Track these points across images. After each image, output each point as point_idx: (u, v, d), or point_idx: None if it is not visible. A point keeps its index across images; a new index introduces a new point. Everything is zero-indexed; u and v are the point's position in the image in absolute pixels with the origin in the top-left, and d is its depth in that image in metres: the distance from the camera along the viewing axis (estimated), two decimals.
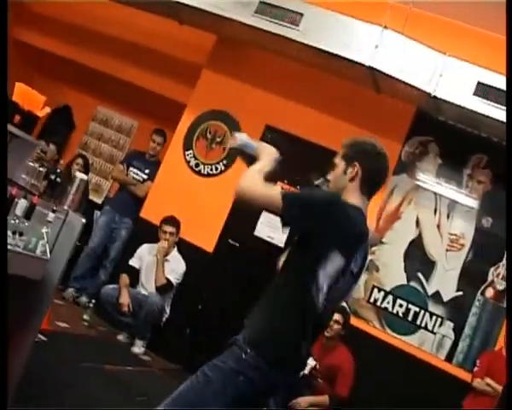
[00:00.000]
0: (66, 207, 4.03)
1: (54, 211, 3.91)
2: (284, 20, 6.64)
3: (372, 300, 6.95)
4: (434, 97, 6.22)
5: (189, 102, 8.03)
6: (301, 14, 6.59)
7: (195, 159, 7.90)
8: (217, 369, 2.71)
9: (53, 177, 4.29)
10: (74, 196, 4.11)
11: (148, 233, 7.43)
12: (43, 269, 3.87)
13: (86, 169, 8.33)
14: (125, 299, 7.02)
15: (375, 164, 3.02)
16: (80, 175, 4.15)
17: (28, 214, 3.68)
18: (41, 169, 4.22)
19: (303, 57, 6.93)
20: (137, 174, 8.10)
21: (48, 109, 4.54)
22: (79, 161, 8.38)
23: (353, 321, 6.69)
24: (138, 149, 8.52)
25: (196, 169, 7.85)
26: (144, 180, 8.08)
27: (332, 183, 3.07)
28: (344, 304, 6.72)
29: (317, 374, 6.25)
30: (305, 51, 6.71)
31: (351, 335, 6.48)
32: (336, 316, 6.27)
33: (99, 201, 9.48)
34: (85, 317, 7.17)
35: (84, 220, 3.99)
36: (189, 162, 7.90)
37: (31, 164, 4.27)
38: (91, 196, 9.19)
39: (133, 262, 7.32)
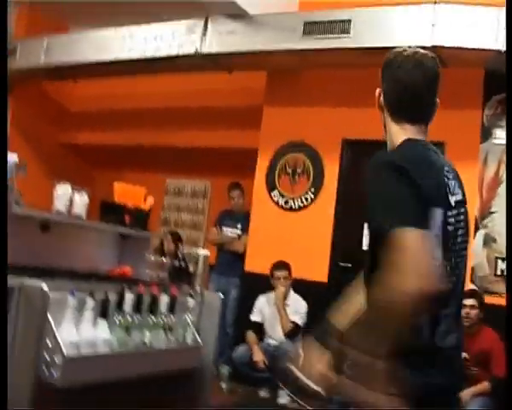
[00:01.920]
0: (198, 288, 4.01)
1: (191, 296, 3.90)
2: (333, 32, 6.60)
3: (499, 272, 6.75)
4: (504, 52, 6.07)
5: (260, 145, 8.02)
6: (349, 21, 6.54)
7: (282, 196, 7.87)
8: None
9: (177, 263, 4.28)
10: (203, 274, 4.10)
11: (257, 284, 7.37)
12: (199, 356, 3.86)
13: (178, 244, 8.36)
14: (258, 356, 6.97)
15: (396, 74, 2.43)
16: (203, 252, 4.13)
17: (172, 308, 3.66)
18: (164, 260, 4.22)
19: (359, 62, 6.84)
20: (232, 232, 8.09)
21: (151, 199, 4.54)
22: (169, 237, 8.42)
23: (488, 299, 6.51)
24: (225, 209, 8.49)
25: (286, 206, 7.81)
26: (239, 235, 8.06)
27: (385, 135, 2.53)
28: (473, 287, 6.59)
29: (468, 365, 6.10)
30: (361, 55, 6.65)
31: (489, 314, 6.30)
32: (469, 301, 6.12)
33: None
34: (224, 385, 7.13)
35: (221, 296, 3.99)
36: (277, 202, 7.87)
37: (153, 258, 4.27)
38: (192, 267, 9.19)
39: (255, 317, 7.27)
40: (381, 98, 2.49)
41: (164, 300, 3.63)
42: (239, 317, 7.67)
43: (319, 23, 6.72)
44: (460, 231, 2.35)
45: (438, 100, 2.47)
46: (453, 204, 2.33)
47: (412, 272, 1.97)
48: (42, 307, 2.90)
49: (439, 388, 2.26)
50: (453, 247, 2.33)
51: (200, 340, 3.84)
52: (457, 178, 2.41)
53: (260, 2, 7.06)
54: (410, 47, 2.51)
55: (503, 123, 6.86)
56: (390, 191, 2.19)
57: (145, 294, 3.50)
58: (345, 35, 6.58)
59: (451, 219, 2.31)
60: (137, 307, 3.44)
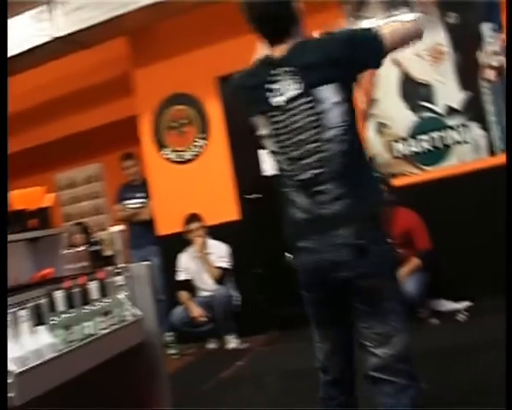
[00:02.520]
0: (122, 265, 3.98)
1: (119, 273, 3.86)
2: None
3: (397, 154, 6.94)
4: None
5: (138, 109, 7.92)
6: None
7: (175, 151, 7.83)
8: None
9: (94, 248, 4.22)
10: (122, 248, 4.06)
11: (175, 245, 7.37)
12: (144, 328, 3.84)
13: (87, 233, 8.22)
14: (196, 311, 7.03)
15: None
16: (116, 228, 4.09)
17: (103, 291, 3.62)
18: (79, 249, 4.15)
19: None
20: (135, 203, 8.00)
21: (52, 196, 4.44)
22: (77, 228, 8.27)
23: (396, 182, 6.70)
24: (123, 183, 8.35)
25: (181, 160, 7.79)
26: (143, 204, 7.98)
27: None
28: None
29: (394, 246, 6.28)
30: None
31: (400, 196, 6.49)
32: None
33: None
34: (172, 351, 7.15)
35: (150, 262, 3.98)
36: (170, 159, 7.85)
37: (68, 251, 4.20)
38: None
39: (181, 276, 7.30)
40: None
41: (94, 287, 3.58)
42: (167, 282, 7.64)
43: None
44: (300, 123, 2.61)
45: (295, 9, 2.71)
46: (282, 103, 2.63)
47: None
48: None
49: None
50: (292, 140, 2.65)
51: (139, 312, 3.81)
52: (298, 73, 2.60)
53: None
54: None
55: (366, 13, 6.98)
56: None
57: (73, 287, 3.45)
58: None
59: (278, 118, 2.64)
60: (70, 303, 3.39)
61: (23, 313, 3.08)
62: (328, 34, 2.69)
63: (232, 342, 6.98)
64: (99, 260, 4.22)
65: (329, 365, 2.86)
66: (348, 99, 2.62)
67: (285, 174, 2.72)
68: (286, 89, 2.61)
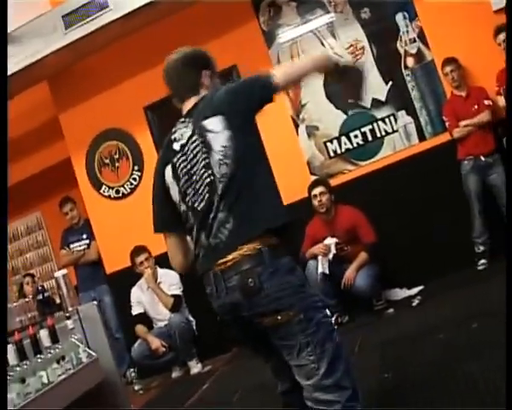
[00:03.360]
0: (71, 308, 3.95)
1: (68, 318, 3.83)
2: (94, 12, 6.50)
3: (332, 153, 7.02)
4: None
5: (70, 151, 7.87)
6: None
7: (112, 188, 7.80)
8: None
9: (41, 296, 4.18)
10: (68, 292, 4.03)
11: (126, 280, 7.30)
12: (101, 367, 3.81)
13: (35, 281, 8.13)
14: (155, 343, 6.95)
15: None
16: (60, 273, 4.06)
17: (55, 338, 3.58)
18: (27, 300, 4.11)
19: (128, 29, 6.77)
20: (80, 245, 7.93)
21: None
22: (28, 279, 8.17)
23: (334, 182, 6.77)
24: (66, 227, 8.26)
25: (119, 195, 7.76)
26: (88, 245, 7.91)
27: None
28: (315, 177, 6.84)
29: (342, 246, 6.36)
30: (125, 22, 6.58)
31: (339, 195, 6.56)
32: (317, 190, 6.43)
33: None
34: (137, 387, 7.10)
35: (95, 302, 3.95)
36: (109, 196, 7.81)
37: (15, 304, 4.14)
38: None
39: (136, 310, 7.21)
40: None
41: (44, 335, 3.54)
42: (122, 319, 7.58)
43: (77, 10, 6.59)
44: (194, 161, 2.75)
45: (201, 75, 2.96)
46: (178, 149, 2.81)
47: None
48: None
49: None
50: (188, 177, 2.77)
51: (94, 353, 3.79)
52: (195, 121, 2.79)
53: (14, 18, 6.79)
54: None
55: (281, 21, 7.07)
56: None
57: (24, 339, 3.41)
58: (105, 10, 6.50)
59: (179, 161, 2.80)
60: (22, 355, 3.35)
61: None
62: (227, 86, 2.87)
63: (195, 367, 6.94)
64: (47, 308, 4.19)
65: (279, 378, 2.87)
66: (235, 127, 2.69)
67: (189, 214, 2.80)
68: (183, 136, 2.81)
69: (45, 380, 3.35)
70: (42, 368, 3.38)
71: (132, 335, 7.20)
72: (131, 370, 7.35)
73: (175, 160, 2.81)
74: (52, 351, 3.53)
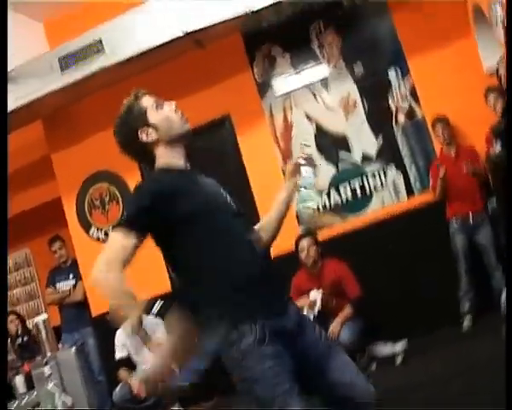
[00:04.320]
0: (50, 354, 3.94)
1: (46, 363, 3.81)
2: (89, 56, 6.57)
3: (321, 206, 7.03)
4: (253, 12, 6.23)
5: (61, 191, 7.89)
6: (100, 41, 6.53)
7: (101, 230, 7.81)
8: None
9: (20, 340, 4.16)
10: (47, 337, 4.02)
11: (109, 324, 7.25)
12: None
13: (23, 321, 8.06)
14: (138, 388, 6.86)
15: None
16: (39, 318, 4.05)
17: (31, 384, 3.57)
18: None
19: (122, 74, 6.81)
20: (66, 285, 7.90)
21: None
22: (12, 318, 8.10)
23: (322, 235, 6.78)
24: (53, 266, 8.26)
25: (107, 238, 7.70)
26: (75, 285, 7.88)
27: None
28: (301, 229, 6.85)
29: (327, 298, 6.34)
30: (120, 68, 6.64)
31: (328, 248, 6.57)
32: (304, 242, 6.41)
33: None
34: None
35: (73, 349, 3.93)
36: (98, 238, 7.82)
37: None
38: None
39: (120, 354, 7.13)
40: None
41: (20, 381, 3.53)
42: (105, 362, 7.53)
43: (74, 53, 6.64)
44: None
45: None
46: None
47: None
48: None
49: None
50: None
51: (70, 400, 3.76)
52: None
53: (12, 57, 6.86)
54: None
55: (274, 72, 7.16)
56: None
57: None
58: (100, 54, 6.55)
59: None
60: None
61: None
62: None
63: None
64: (27, 352, 4.17)
65: None
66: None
67: None
68: None
69: None
70: None
71: (115, 378, 7.14)
72: None
73: None
74: (27, 397, 3.51)
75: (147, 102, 2.83)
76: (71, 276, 7.92)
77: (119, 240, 2.59)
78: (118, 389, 7.02)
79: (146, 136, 2.75)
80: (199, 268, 2.61)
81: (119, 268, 2.58)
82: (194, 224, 2.58)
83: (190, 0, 6.36)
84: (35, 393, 3.58)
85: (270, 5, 6.22)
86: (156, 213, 2.57)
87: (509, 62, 4.23)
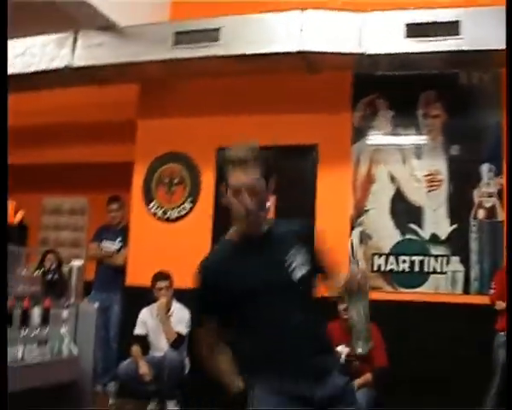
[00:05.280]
0: (73, 300, 3.95)
1: (66, 307, 3.83)
2: (203, 40, 6.64)
3: (376, 267, 6.95)
4: (369, 55, 6.25)
5: (136, 158, 7.96)
6: (217, 29, 6.59)
7: (160, 207, 7.85)
8: None
9: (50, 276, 4.19)
10: (77, 285, 4.04)
11: (140, 298, 7.29)
12: (77, 368, 3.78)
13: (59, 261, 8.14)
14: (144, 369, 6.87)
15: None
16: (76, 263, 4.07)
17: (45, 320, 3.59)
18: (35, 274, 4.13)
19: (231, 70, 6.90)
20: (111, 246, 7.99)
21: (21, 214, 4.43)
22: (50, 256, 8.19)
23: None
24: (105, 224, 8.35)
25: (165, 217, 7.80)
26: (119, 249, 7.96)
27: None
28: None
29: (351, 358, 6.24)
30: (231, 63, 6.71)
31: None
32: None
33: None
34: (111, 401, 7.03)
35: (96, 306, 3.94)
36: (155, 214, 7.85)
37: (24, 273, 4.16)
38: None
39: (138, 330, 7.17)
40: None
41: (36, 313, 3.55)
42: (123, 331, 7.56)
43: (189, 32, 6.74)
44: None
45: None
46: None
47: None
48: None
49: None
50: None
51: (76, 351, 3.77)
52: None
53: (130, 14, 6.96)
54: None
55: (373, 123, 7.11)
56: None
57: (16, 307, 3.42)
58: (215, 43, 6.62)
59: None
60: (10, 321, 3.35)
61: None
62: None
63: (172, 408, 6.86)
64: (52, 290, 4.19)
65: None
66: None
67: None
68: None
69: (19, 355, 3.35)
70: (21, 342, 3.38)
71: (126, 351, 7.17)
72: (113, 383, 7.29)
73: None
74: (37, 331, 3.53)
75: None
76: (118, 239, 8.00)
77: None
78: (126, 362, 7.04)
79: None
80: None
81: None
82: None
83: (311, 22, 6.39)
84: (47, 330, 3.57)
85: (386, 54, 6.21)
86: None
87: (509, 62, 4.13)
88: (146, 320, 7.19)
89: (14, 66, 7.30)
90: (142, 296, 7.24)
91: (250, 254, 2.74)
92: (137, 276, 7.59)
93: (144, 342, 7.15)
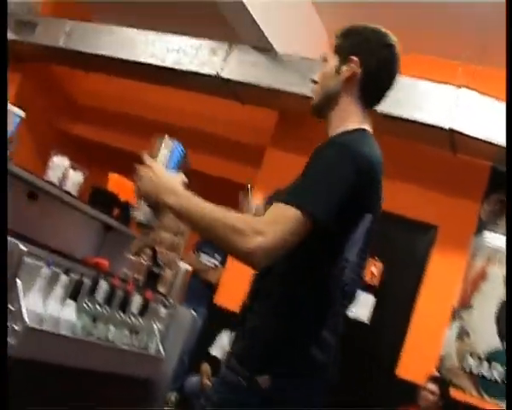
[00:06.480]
0: (172, 301, 3.88)
1: (164, 305, 3.76)
2: None
3: (467, 367, 6.65)
4: None
5: (256, 184, 7.90)
6: None
7: None
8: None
9: (156, 270, 4.14)
10: (180, 288, 3.98)
11: (224, 320, 7.19)
12: (159, 369, 3.71)
13: (155, 259, 8.15)
14: (208, 389, 6.78)
15: (382, 59, 2.23)
16: (185, 265, 4.01)
17: (143, 311, 3.51)
18: (143, 262, 4.08)
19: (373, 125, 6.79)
20: (209, 260, 7.93)
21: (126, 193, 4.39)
22: (148, 251, 8.20)
23: (452, 392, 6.42)
24: None
25: None
26: (216, 266, 7.90)
27: (319, 85, 2.32)
28: (438, 374, 6.48)
29: None
30: (380, 121, 6.58)
31: (450, 407, 6.19)
32: (431, 386, 6.08)
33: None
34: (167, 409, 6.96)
35: (194, 314, 3.87)
36: None
37: (133, 258, 4.13)
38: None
39: (214, 351, 7.08)
40: (359, 73, 2.23)
41: (136, 300, 3.49)
42: (198, 348, 7.47)
43: None
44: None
45: None
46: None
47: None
48: (15, 265, 2.74)
49: None
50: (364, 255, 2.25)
51: (163, 352, 3.68)
52: None
53: (288, 41, 6.97)
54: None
55: (500, 221, 6.83)
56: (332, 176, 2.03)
57: (119, 288, 3.37)
58: None
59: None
60: (109, 300, 3.31)
61: (65, 278, 3.01)
62: None
63: None
64: (154, 282, 4.14)
65: None
66: None
67: None
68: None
69: (110, 335, 3.28)
70: (115, 324, 3.32)
71: (195, 368, 7.08)
72: (175, 394, 7.21)
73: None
74: (133, 319, 3.46)
75: None
76: (216, 255, 7.94)
77: None
78: (194, 378, 6.95)
79: None
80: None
81: None
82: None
83: (464, 101, 6.23)
84: (140, 320, 3.51)
85: None
86: None
87: (509, 62, 3.88)
88: (225, 346, 7.08)
89: (165, 60, 7.41)
90: (226, 319, 7.13)
91: None
92: (227, 298, 7.49)
93: (216, 364, 7.04)
